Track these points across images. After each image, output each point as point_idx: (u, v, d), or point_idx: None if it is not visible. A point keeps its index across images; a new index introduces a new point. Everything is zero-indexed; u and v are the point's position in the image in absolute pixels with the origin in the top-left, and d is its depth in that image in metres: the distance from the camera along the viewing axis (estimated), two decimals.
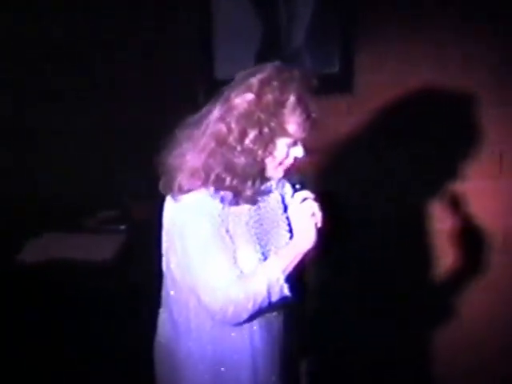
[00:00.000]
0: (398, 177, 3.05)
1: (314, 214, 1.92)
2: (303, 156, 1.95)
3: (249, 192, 1.92)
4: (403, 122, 3.02)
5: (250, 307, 1.87)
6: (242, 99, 1.88)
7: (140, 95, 3.12)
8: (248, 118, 1.87)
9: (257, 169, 1.91)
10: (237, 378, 2.02)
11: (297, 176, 2.00)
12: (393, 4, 2.95)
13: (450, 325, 3.15)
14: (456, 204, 3.00)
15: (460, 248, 3.08)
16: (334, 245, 2.39)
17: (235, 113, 1.89)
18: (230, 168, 1.89)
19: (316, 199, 1.94)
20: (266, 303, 1.89)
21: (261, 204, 2.00)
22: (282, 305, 1.96)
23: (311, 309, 2.34)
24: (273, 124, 1.87)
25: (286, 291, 1.89)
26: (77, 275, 2.89)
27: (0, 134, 3.20)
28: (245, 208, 1.95)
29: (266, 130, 1.88)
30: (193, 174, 1.91)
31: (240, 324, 1.94)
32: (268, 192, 2.04)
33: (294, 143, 1.93)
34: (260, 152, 1.89)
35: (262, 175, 1.94)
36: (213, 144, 1.91)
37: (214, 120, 1.92)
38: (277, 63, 1.92)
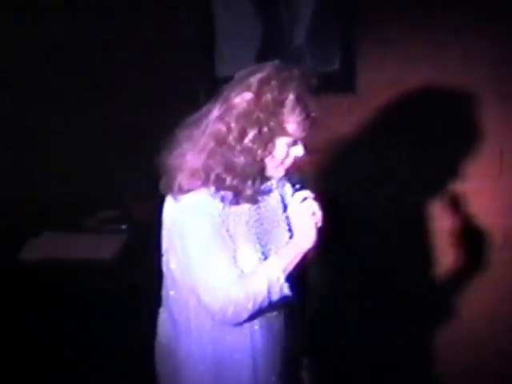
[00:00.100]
0: (398, 176, 3.05)
1: (314, 214, 1.92)
2: (303, 155, 1.95)
3: (249, 191, 1.91)
4: (404, 122, 3.02)
5: (250, 307, 1.87)
6: (242, 99, 1.88)
7: (140, 95, 3.12)
8: (247, 118, 1.87)
9: (257, 168, 1.91)
10: (237, 377, 2.02)
11: (297, 175, 1.99)
12: (393, 4, 2.95)
13: (449, 324, 3.15)
14: (456, 203, 3.00)
15: (460, 248, 3.08)
16: (334, 244, 2.39)
17: (234, 112, 1.88)
18: (229, 168, 1.89)
19: (316, 199, 1.94)
20: (266, 303, 1.89)
21: (261, 203, 2.00)
22: (282, 304, 1.96)
23: (311, 308, 2.34)
24: (272, 123, 1.87)
25: (287, 291, 1.89)
26: (77, 275, 2.89)
27: (0, 134, 3.20)
28: (245, 207, 1.95)
29: (265, 129, 1.87)
30: (193, 173, 1.91)
31: (240, 324, 1.94)
32: (268, 191, 2.03)
33: (294, 142, 1.93)
34: (260, 151, 1.89)
35: (262, 175, 1.94)
36: (212, 144, 1.90)
37: (214, 120, 1.91)
38: (276, 62, 1.92)
